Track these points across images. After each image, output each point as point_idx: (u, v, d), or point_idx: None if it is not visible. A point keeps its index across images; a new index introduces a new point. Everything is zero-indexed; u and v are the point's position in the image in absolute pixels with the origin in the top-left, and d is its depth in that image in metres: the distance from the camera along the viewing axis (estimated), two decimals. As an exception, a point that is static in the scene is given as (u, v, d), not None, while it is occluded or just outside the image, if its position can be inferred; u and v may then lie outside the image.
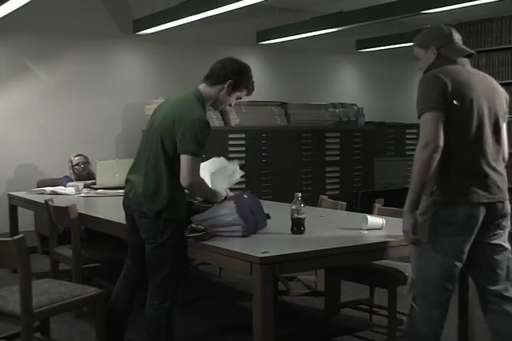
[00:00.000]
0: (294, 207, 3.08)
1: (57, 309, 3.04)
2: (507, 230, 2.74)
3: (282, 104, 7.13)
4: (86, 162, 5.63)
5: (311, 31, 6.87)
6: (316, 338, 3.80)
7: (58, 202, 4.34)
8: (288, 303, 4.41)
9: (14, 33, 6.29)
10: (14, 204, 5.34)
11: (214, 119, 6.53)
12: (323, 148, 7.29)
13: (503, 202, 2.68)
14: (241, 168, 3.41)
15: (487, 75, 2.80)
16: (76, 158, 5.59)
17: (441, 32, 2.78)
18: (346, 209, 4.11)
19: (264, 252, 2.64)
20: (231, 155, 6.55)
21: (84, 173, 5.59)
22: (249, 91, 3.15)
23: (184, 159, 2.93)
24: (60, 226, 4.59)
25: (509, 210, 2.72)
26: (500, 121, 2.72)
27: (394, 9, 5.89)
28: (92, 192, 5.15)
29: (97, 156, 5.78)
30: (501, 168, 2.72)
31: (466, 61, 2.76)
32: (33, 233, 5.99)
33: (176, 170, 2.95)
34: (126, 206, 3.16)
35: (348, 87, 8.72)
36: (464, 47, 2.79)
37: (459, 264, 2.63)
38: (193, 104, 3.01)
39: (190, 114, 2.94)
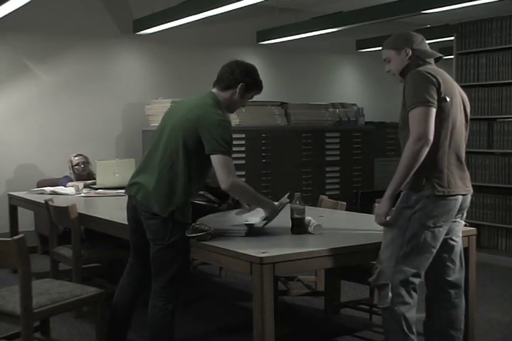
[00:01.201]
0: (294, 207, 3.08)
1: (57, 309, 3.04)
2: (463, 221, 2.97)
3: (282, 104, 7.13)
4: (86, 162, 5.63)
5: (311, 31, 6.87)
6: (316, 338, 3.80)
7: (58, 202, 4.34)
8: (288, 303, 4.41)
9: (14, 33, 6.30)
10: (14, 204, 5.34)
11: (214, 119, 6.52)
12: (323, 148, 7.30)
13: (470, 195, 2.88)
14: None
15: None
16: (76, 158, 5.58)
17: (412, 35, 2.89)
18: (346, 209, 4.10)
19: (264, 252, 2.64)
20: (231, 155, 6.55)
21: (84, 173, 5.59)
22: (260, 91, 3.15)
23: (216, 160, 2.88)
24: (60, 226, 4.59)
25: (469, 203, 2.92)
26: (468, 119, 2.89)
27: (394, 9, 5.90)
28: (92, 192, 5.15)
29: (97, 156, 5.78)
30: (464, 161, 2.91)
31: (434, 64, 2.89)
32: (33, 233, 5.98)
33: (193, 173, 2.93)
34: (133, 207, 3.10)
35: (348, 87, 8.72)
36: (433, 50, 2.90)
37: (433, 252, 2.80)
38: (213, 106, 2.99)
39: (212, 115, 2.93)
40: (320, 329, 3.89)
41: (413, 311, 2.80)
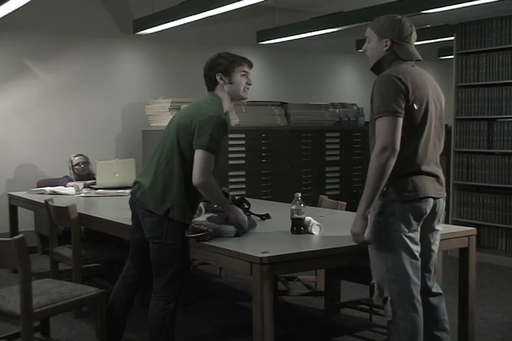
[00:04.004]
0: (294, 207, 3.09)
1: (57, 309, 3.04)
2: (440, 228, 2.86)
3: (282, 104, 7.13)
4: (86, 162, 5.63)
5: (311, 31, 6.87)
6: (316, 338, 3.80)
7: (58, 202, 4.34)
8: (288, 303, 4.41)
9: (14, 33, 6.30)
10: (14, 204, 5.34)
11: (214, 119, 6.52)
12: (323, 148, 7.29)
13: (443, 199, 2.78)
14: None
15: (429, 74, 2.82)
16: (76, 158, 5.59)
17: (402, 28, 2.73)
18: (346, 209, 4.10)
19: (264, 252, 2.64)
20: (231, 155, 6.56)
21: (84, 173, 5.59)
22: (247, 62, 3.13)
23: (198, 155, 2.91)
24: (60, 226, 4.59)
25: (443, 208, 2.82)
26: (442, 120, 2.79)
27: (394, 9, 5.88)
28: (92, 192, 5.15)
29: (97, 156, 5.78)
30: (438, 165, 2.80)
31: (412, 62, 2.77)
32: (33, 233, 5.99)
33: (189, 171, 2.93)
34: (133, 204, 3.15)
35: (348, 87, 8.72)
36: (416, 51, 2.77)
37: (418, 257, 2.70)
38: (211, 102, 3.04)
39: (207, 111, 2.96)
40: (320, 329, 3.89)
41: (419, 323, 2.70)
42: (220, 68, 3.06)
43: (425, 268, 2.80)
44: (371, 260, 2.74)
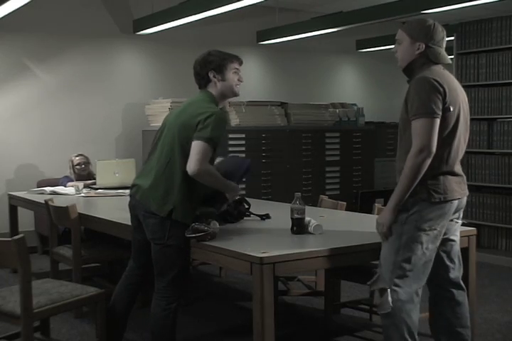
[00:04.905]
0: (294, 207, 3.09)
1: (57, 309, 3.04)
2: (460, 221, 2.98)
3: (282, 104, 7.13)
4: (87, 162, 5.63)
5: (311, 31, 6.86)
6: (316, 338, 3.80)
7: (58, 202, 4.34)
8: (288, 303, 4.41)
9: (14, 33, 6.29)
10: (14, 204, 5.35)
11: (214, 119, 6.51)
12: (323, 148, 7.29)
13: (465, 197, 2.91)
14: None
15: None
16: (77, 158, 5.59)
17: (436, 32, 2.79)
18: (346, 209, 4.11)
19: (264, 252, 2.64)
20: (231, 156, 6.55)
21: (84, 173, 5.59)
22: (237, 60, 3.13)
23: (195, 145, 2.88)
24: (60, 226, 4.59)
25: (465, 204, 2.94)
26: (468, 122, 2.88)
27: (394, 9, 5.89)
28: (92, 192, 5.15)
29: (97, 156, 5.78)
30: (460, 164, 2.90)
31: (442, 65, 2.85)
32: (33, 233, 5.99)
33: None
34: (133, 206, 3.14)
35: (348, 87, 8.72)
36: (446, 55, 2.85)
37: (432, 257, 2.80)
38: (205, 101, 3.05)
39: (208, 108, 2.97)
40: (320, 329, 3.89)
41: (415, 316, 2.77)
42: (213, 66, 3.06)
43: (449, 259, 2.92)
44: (382, 252, 2.81)
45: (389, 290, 2.72)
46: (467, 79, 5.75)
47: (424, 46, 2.77)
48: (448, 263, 2.92)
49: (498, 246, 5.69)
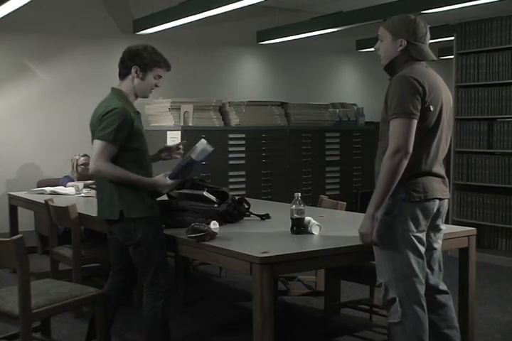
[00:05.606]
0: (293, 207, 3.08)
1: (56, 309, 3.03)
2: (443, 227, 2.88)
3: (282, 104, 7.13)
4: (90, 163, 5.62)
5: (311, 31, 6.87)
6: (316, 338, 3.80)
7: (58, 202, 4.34)
8: (288, 303, 4.41)
9: (14, 33, 6.29)
10: (14, 204, 5.34)
11: (214, 119, 6.52)
12: (323, 148, 7.29)
13: (447, 199, 2.81)
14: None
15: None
16: (82, 158, 5.59)
17: (418, 28, 2.71)
18: (346, 209, 4.10)
19: (264, 252, 2.64)
20: (231, 155, 6.55)
21: (86, 173, 5.58)
22: (166, 66, 3.15)
23: (94, 145, 2.97)
24: (60, 226, 4.58)
25: (447, 208, 2.85)
26: (451, 122, 2.81)
27: (394, 9, 5.88)
28: (92, 192, 5.13)
29: (97, 156, 5.77)
30: (443, 166, 2.83)
31: (425, 62, 2.77)
32: (33, 233, 5.99)
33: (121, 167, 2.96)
34: (100, 223, 3.33)
35: (348, 87, 8.72)
36: (430, 51, 2.77)
37: (424, 256, 2.72)
38: (111, 98, 3.10)
39: (106, 108, 3.01)
40: (320, 329, 3.89)
41: (426, 322, 2.69)
42: (140, 62, 3.07)
43: (428, 266, 2.82)
44: (377, 260, 2.74)
45: (397, 299, 2.66)
46: (467, 79, 5.74)
47: (405, 43, 2.70)
48: (427, 269, 2.80)
49: (498, 246, 5.69)
